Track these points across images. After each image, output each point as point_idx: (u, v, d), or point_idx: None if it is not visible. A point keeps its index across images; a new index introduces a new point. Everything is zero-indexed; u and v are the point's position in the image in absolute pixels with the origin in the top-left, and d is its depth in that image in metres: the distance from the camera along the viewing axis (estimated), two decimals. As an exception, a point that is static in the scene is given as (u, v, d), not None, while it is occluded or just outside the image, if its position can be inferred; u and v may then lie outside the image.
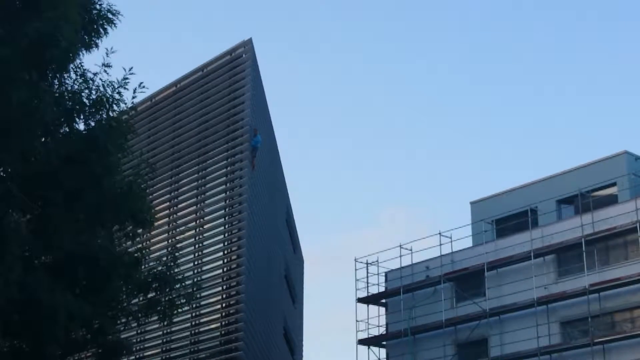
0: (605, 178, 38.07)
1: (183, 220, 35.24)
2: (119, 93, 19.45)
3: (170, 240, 34.65)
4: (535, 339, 35.56)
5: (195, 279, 29.22)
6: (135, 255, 21.70)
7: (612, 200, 37.27)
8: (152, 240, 34.07)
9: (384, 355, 41.49)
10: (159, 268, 22.66)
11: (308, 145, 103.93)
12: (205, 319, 33.29)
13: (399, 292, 40.28)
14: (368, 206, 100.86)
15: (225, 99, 35.23)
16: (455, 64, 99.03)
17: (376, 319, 42.03)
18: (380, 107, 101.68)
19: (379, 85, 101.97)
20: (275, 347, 40.35)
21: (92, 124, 19.30)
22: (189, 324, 33.44)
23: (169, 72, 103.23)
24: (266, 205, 38.42)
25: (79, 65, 19.31)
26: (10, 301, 17.49)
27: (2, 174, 18.58)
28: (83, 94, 19.04)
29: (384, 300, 42.04)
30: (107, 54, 19.27)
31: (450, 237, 39.84)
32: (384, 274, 42.04)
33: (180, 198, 35.93)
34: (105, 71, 19.27)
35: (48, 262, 20.02)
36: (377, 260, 41.70)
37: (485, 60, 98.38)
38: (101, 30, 19.61)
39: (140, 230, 21.85)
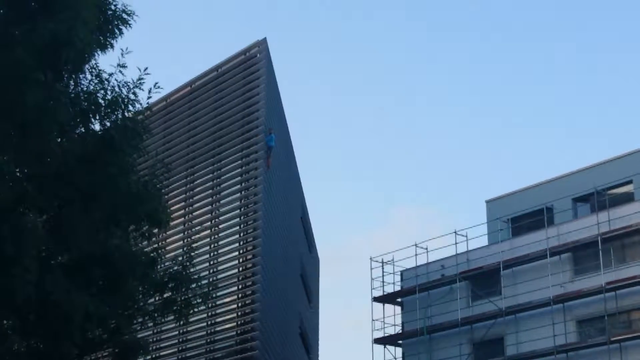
0: (621, 176, 37.90)
1: (198, 220, 35.31)
2: (134, 93, 19.47)
3: (185, 240, 34.72)
4: (552, 337, 35.42)
5: (211, 279, 29.34)
6: (151, 255, 21.74)
7: (628, 198, 37.11)
8: (167, 240, 34.10)
9: (400, 355, 41.43)
10: (175, 268, 22.68)
11: (322, 144, 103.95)
12: (221, 319, 33.34)
13: (415, 291, 40.22)
14: (381, 205, 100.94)
15: (240, 99, 35.28)
16: (471, 64, 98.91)
17: (392, 318, 42.03)
18: (395, 105, 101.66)
19: (392, 84, 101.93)
20: (291, 346, 40.39)
21: (108, 124, 19.32)
22: (204, 324, 33.50)
23: (184, 72, 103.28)
24: (281, 205, 38.44)
25: (94, 66, 19.36)
26: (27, 301, 17.56)
27: (18, 174, 18.64)
28: (98, 94, 19.06)
29: (399, 300, 41.98)
30: (122, 54, 19.28)
31: (466, 236, 39.79)
32: (399, 273, 42.01)
33: (195, 198, 36.00)
34: (120, 71, 19.27)
35: (65, 262, 20.08)
36: (393, 259, 41.68)
37: (501, 59, 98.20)
38: (116, 30, 19.63)
39: (155, 230, 21.84)
